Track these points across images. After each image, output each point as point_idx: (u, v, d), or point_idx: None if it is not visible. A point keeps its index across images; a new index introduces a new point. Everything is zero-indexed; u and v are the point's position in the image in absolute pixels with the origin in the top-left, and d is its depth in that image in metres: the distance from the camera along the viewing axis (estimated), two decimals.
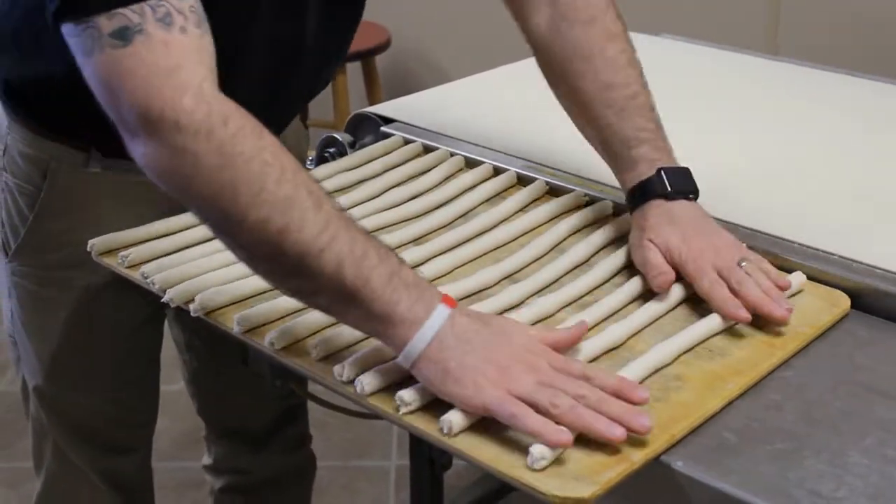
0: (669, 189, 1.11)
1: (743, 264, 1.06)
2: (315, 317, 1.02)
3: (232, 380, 1.49)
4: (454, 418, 0.87)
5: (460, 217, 1.26)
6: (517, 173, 1.35)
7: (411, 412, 0.90)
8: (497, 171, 1.36)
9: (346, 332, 1.00)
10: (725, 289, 1.04)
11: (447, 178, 1.35)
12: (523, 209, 1.27)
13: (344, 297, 0.90)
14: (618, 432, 0.85)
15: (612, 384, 0.89)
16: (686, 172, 1.13)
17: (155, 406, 1.49)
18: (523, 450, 0.85)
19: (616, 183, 1.19)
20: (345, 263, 0.89)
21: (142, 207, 1.21)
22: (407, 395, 0.90)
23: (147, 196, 1.14)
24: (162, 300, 1.08)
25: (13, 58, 1.19)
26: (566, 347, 0.96)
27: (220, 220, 0.91)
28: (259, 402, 1.56)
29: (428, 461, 1.70)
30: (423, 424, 0.90)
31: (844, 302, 1.08)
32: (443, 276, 1.12)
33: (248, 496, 1.67)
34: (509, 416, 0.86)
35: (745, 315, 1.01)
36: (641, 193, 1.12)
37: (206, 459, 1.71)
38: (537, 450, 0.83)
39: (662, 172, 1.11)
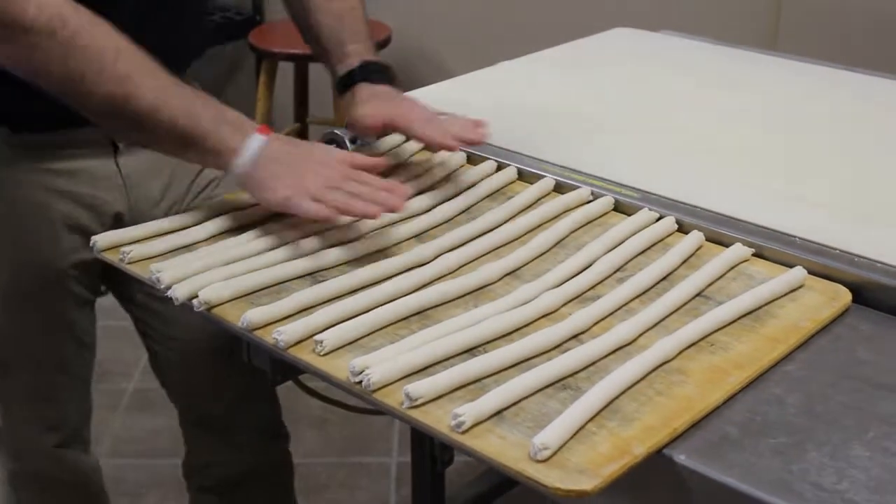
0: (372, 76, 1.36)
1: (442, 117, 1.32)
2: (318, 318, 1.02)
3: (189, 359, 1.53)
4: (467, 416, 0.87)
5: (462, 213, 1.26)
6: (518, 169, 1.35)
7: (416, 407, 0.91)
8: (498, 167, 1.36)
9: (352, 330, 1.00)
10: (437, 127, 1.29)
11: (449, 175, 1.35)
12: (531, 206, 1.27)
13: (181, 142, 1.17)
14: (372, 209, 1.13)
15: (382, 184, 1.18)
16: (388, 67, 1.40)
17: (86, 393, 1.53)
18: (526, 445, 0.85)
19: (619, 179, 1.23)
20: (178, 116, 1.15)
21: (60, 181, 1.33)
22: (413, 390, 0.90)
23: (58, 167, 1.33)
24: (166, 295, 1.08)
25: None
26: (368, 167, 1.21)
27: (74, 98, 1.15)
28: (219, 380, 1.57)
29: (429, 457, 1.71)
30: (428, 420, 0.90)
31: (845, 296, 1.09)
32: (448, 273, 1.13)
33: (222, 496, 1.66)
34: (294, 206, 1.14)
35: (455, 143, 1.29)
36: (350, 79, 1.37)
37: (183, 458, 1.71)
38: (539, 440, 0.84)
39: (368, 63, 1.37)
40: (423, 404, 0.91)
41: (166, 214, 1.35)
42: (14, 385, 1.46)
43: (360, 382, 0.93)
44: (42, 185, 1.33)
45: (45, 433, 1.50)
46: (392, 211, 1.15)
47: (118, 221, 1.36)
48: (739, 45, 1.88)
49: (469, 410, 0.88)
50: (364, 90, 1.35)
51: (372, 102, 1.33)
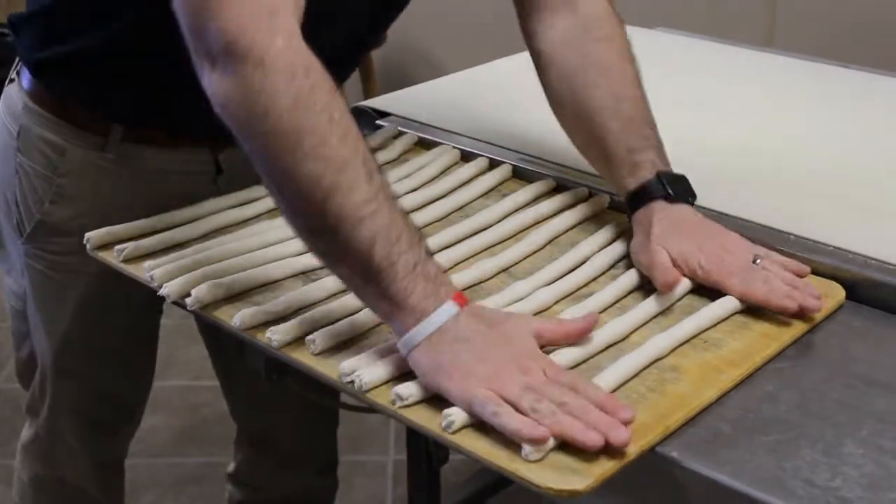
0: (671, 192, 1.11)
1: (758, 262, 1.07)
2: (313, 315, 1.02)
3: (261, 387, 1.49)
4: (456, 417, 0.87)
5: (457, 211, 1.26)
6: (513, 167, 1.35)
7: (408, 406, 0.90)
8: (493, 165, 1.36)
9: (345, 329, 1.00)
10: (760, 283, 1.04)
11: (443, 172, 1.35)
12: (526, 205, 1.27)
13: (367, 272, 0.91)
14: (593, 437, 0.83)
15: (599, 398, 0.88)
16: (684, 179, 1.14)
17: (145, 394, 1.51)
18: (519, 444, 0.85)
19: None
20: (378, 240, 0.90)
21: (153, 199, 1.23)
22: (403, 390, 0.90)
23: (159, 189, 1.24)
24: (158, 294, 1.08)
25: (41, 36, 1.22)
26: (575, 340, 0.97)
27: (274, 165, 0.91)
28: (288, 414, 1.56)
29: (425, 456, 1.71)
30: (420, 419, 0.90)
31: (839, 293, 1.09)
32: (443, 271, 1.12)
33: None
34: (491, 415, 0.86)
35: (793, 305, 1.02)
36: (644, 195, 1.12)
37: (230, 467, 1.71)
38: (527, 450, 0.84)
39: (662, 176, 1.12)
40: (413, 404, 0.91)
41: None
42: (72, 392, 1.43)
43: (353, 383, 0.93)
44: (137, 199, 1.25)
45: (89, 444, 1.48)
46: (616, 446, 0.84)
47: None
48: (736, 42, 1.89)
49: (459, 411, 0.88)
50: (659, 216, 1.10)
51: (671, 241, 1.08)
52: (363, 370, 0.93)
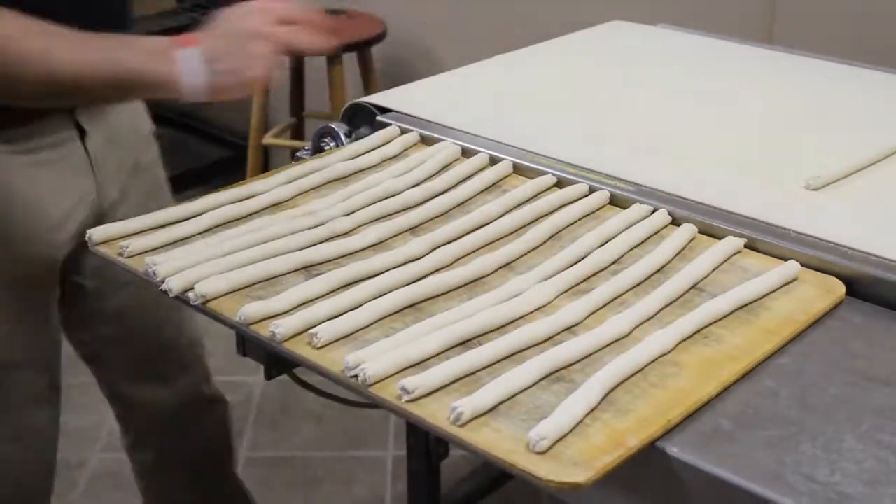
0: None
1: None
2: (314, 311, 1.02)
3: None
4: (465, 409, 0.87)
5: (457, 206, 1.27)
6: (513, 163, 1.35)
7: (415, 399, 0.90)
8: (493, 161, 1.36)
9: (346, 324, 1.00)
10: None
11: (443, 168, 1.35)
12: (528, 201, 1.27)
13: (123, 92, 1.24)
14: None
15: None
16: None
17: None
18: (520, 437, 0.86)
19: (613, 172, 1.24)
20: (102, 70, 1.18)
21: (45, 178, 1.34)
22: (409, 383, 0.90)
23: (40, 165, 1.33)
24: (160, 289, 1.08)
25: None
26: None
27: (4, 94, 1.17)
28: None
29: (424, 451, 1.71)
30: (422, 413, 0.90)
31: (839, 289, 1.09)
32: (443, 267, 1.13)
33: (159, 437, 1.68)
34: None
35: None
36: None
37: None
38: (535, 432, 0.84)
39: None
40: (418, 398, 0.91)
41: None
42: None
43: (357, 377, 0.93)
44: (27, 179, 1.32)
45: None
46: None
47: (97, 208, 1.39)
48: (735, 38, 1.89)
49: (467, 403, 0.88)
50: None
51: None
52: (367, 364, 0.93)
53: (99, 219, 1.40)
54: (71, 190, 1.38)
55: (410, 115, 1.47)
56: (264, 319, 1.02)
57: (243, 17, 1.23)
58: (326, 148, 1.45)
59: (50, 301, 1.44)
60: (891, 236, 1.15)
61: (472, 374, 0.94)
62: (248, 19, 1.23)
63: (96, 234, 1.17)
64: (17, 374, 1.42)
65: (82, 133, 1.37)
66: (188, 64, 1.18)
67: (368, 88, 3.05)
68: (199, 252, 1.12)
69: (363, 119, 1.50)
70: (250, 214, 1.23)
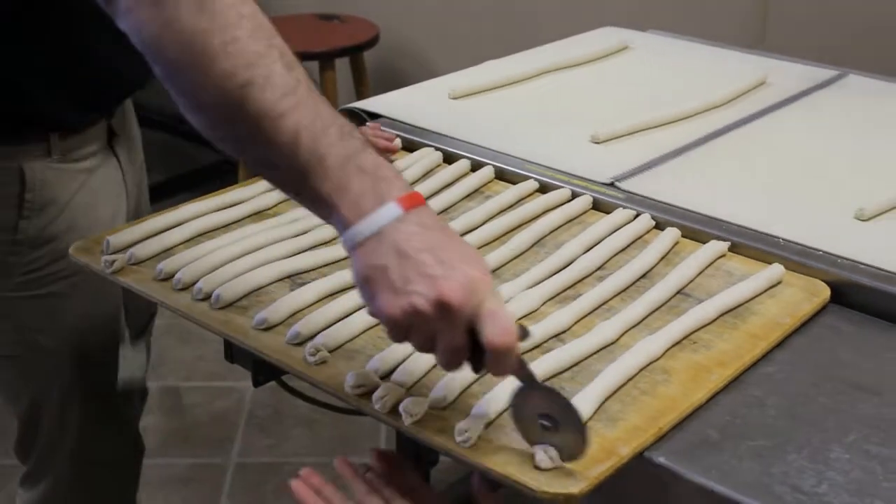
0: None
1: None
2: (309, 323, 1.01)
3: None
4: (472, 433, 0.86)
5: (441, 213, 1.26)
6: (496, 168, 1.35)
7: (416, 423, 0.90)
8: (475, 167, 1.36)
9: (338, 335, 1.00)
10: None
11: (426, 174, 1.35)
12: (511, 207, 1.27)
13: (295, 171, 0.84)
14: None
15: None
16: None
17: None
18: (512, 448, 0.86)
19: (595, 177, 1.26)
20: (302, 134, 0.83)
21: (111, 199, 1.37)
22: (412, 407, 0.89)
23: (114, 188, 1.37)
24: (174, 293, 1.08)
25: None
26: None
27: (186, 72, 0.86)
28: None
29: (415, 458, 1.70)
30: (425, 434, 0.89)
31: (824, 291, 1.09)
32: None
33: None
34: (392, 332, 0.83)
35: None
36: None
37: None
38: (541, 456, 0.84)
39: None
40: (420, 420, 0.90)
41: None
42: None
43: (375, 403, 0.91)
44: (81, 185, 1.33)
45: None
46: None
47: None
48: (727, 44, 1.88)
49: (473, 425, 0.87)
50: None
51: None
52: (387, 397, 0.91)
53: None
54: (113, 194, 1.39)
55: (399, 121, 1.47)
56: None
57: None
58: None
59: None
60: (879, 245, 1.14)
61: (467, 388, 0.93)
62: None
63: (75, 248, 1.18)
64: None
65: (111, 139, 1.38)
66: (378, 221, 0.82)
67: (360, 94, 3.05)
68: (184, 268, 1.11)
69: (354, 124, 1.49)
70: (234, 222, 1.23)
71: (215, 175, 3.59)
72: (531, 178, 1.32)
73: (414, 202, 0.83)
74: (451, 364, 0.83)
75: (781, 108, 1.57)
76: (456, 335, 0.81)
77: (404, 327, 0.82)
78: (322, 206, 0.85)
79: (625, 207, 1.24)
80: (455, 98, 1.54)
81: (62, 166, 1.30)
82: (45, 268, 1.32)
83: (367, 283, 0.82)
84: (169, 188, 3.15)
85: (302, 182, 0.84)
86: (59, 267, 1.32)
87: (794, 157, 1.40)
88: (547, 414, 0.84)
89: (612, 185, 1.30)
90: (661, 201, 1.25)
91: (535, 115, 1.53)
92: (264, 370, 1.12)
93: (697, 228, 1.20)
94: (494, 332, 0.80)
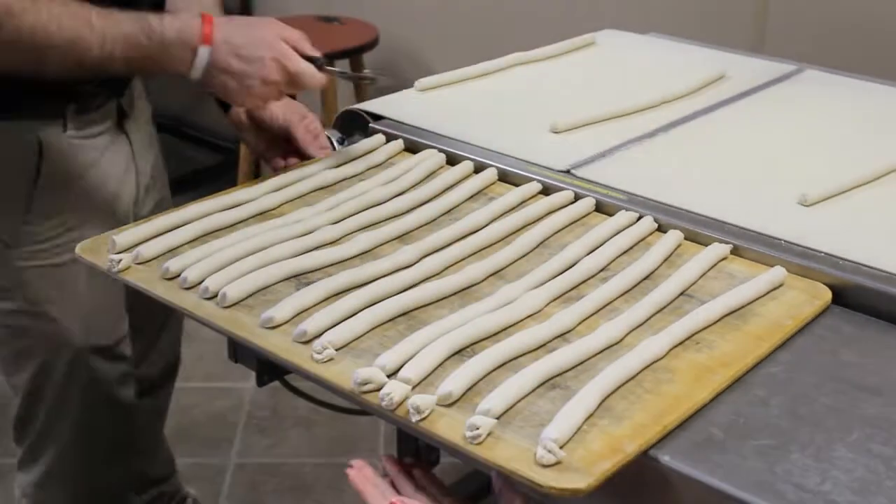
0: None
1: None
2: (316, 321, 1.02)
3: None
4: (483, 429, 0.87)
5: (444, 214, 1.27)
6: (499, 170, 1.36)
7: (424, 419, 0.90)
8: (481, 168, 1.37)
9: (343, 335, 1.00)
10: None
11: (429, 176, 1.35)
12: (514, 208, 1.27)
13: (142, 71, 1.35)
14: None
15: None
16: None
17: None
18: (518, 444, 0.86)
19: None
20: (128, 56, 1.23)
21: (121, 176, 1.46)
22: (422, 403, 0.90)
23: (124, 166, 1.47)
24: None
25: None
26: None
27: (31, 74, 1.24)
28: None
29: (415, 458, 1.70)
30: (433, 429, 0.90)
31: (826, 294, 1.10)
32: (434, 275, 1.13)
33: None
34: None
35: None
36: None
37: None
38: (549, 444, 0.85)
39: None
40: (428, 416, 0.90)
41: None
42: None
43: (382, 400, 0.92)
44: (94, 160, 1.43)
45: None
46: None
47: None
48: (727, 47, 1.89)
49: (483, 421, 0.88)
50: None
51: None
52: (393, 392, 0.91)
53: (137, 208, 1.52)
54: (123, 172, 1.48)
55: (402, 123, 1.47)
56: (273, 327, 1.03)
57: (272, 30, 1.30)
58: None
59: None
60: (881, 247, 1.15)
61: (473, 385, 0.94)
62: (274, 36, 1.29)
63: (81, 248, 1.18)
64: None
65: (122, 119, 1.48)
66: (202, 61, 1.25)
67: (360, 96, 3.05)
68: (189, 268, 1.12)
69: (356, 126, 1.50)
70: (239, 223, 1.23)
71: (214, 176, 3.59)
72: (531, 178, 1.33)
73: (208, 29, 1.25)
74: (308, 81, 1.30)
75: (738, 101, 1.62)
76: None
77: (261, 104, 1.34)
78: (169, 73, 1.27)
79: (627, 210, 1.24)
80: (423, 90, 1.61)
81: (77, 142, 1.39)
82: (55, 238, 1.39)
83: (226, 97, 1.30)
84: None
85: (147, 72, 1.38)
86: (69, 238, 1.38)
87: (745, 146, 1.44)
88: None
89: (567, 172, 1.34)
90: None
91: (499, 107, 1.57)
92: (268, 370, 1.13)
93: (700, 231, 1.20)
94: (293, 64, 1.29)
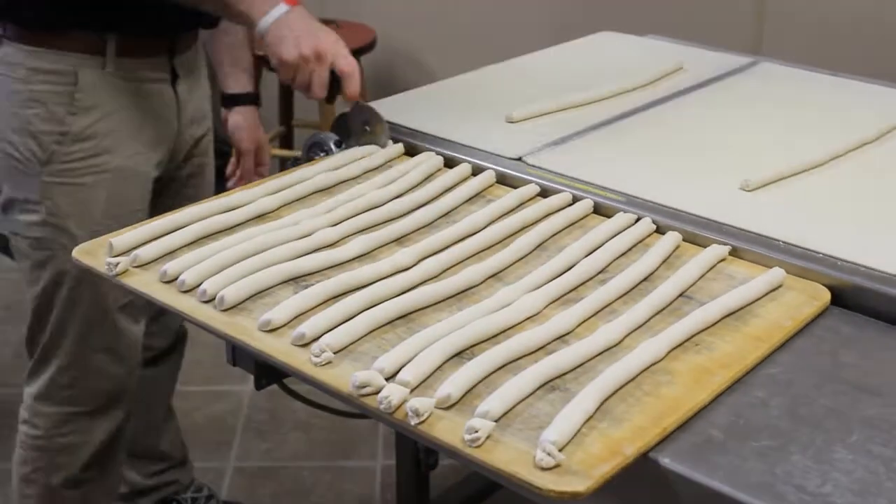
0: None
1: None
2: (316, 323, 1.02)
3: None
4: (482, 432, 0.87)
5: (443, 217, 1.27)
6: (497, 172, 1.36)
7: (423, 422, 0.90)
8: (476, 171, 1.37)
9: (342, 337, 1.00)
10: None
11: (427, 178, 1.35)
12: (513, 210, 1.27)
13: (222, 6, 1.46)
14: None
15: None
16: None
17: None
18: (517, 447, 0.86)
19: (599, 182, 1.28)
20: None
21: (139, 101, 1.60)
22: (421, 406, 0.90)
23: (140, 94, 1.60)
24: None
25: None
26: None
27: None
28: None
29: (414, 461, 1.71)
30: (432, 433, 0.89)
31: (824, 295, 1.09)
32: (432, 278, 1.13)
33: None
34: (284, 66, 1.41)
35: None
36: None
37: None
38: (547, 447, 0.84)
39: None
40: (427, 419, 0.90)
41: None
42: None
43: (380, 403, 0.91)
44: (136, 103, 1.59)
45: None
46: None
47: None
48: (724, 49, 1.89)
49: (482, 424, 0.87)
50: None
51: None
52: (392, 395, 0.91)
53: (168, 172, 1.70)
54: (159, 124, 1.63)
55: (398, 125, 1.47)
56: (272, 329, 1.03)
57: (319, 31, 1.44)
58: (316, 158, 1.44)
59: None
60: (879, 248, 1.15)
61: (473, 388, 0.94)
62: (338, 38, 1.43)
63: (78, 250, 1.18)
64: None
65: (174, 79, 1.63)
66: (278, 13, 1.40)
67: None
68: (188, 269, 1.11)
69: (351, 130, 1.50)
70: (237, 225, 1.23)
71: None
72: (529, 180, 1.33)
73: (295, 2, 1.42)
74: (320, 90, 1.41)
75: (693, 92, 1.65)
76: (324, 72, 1.40)
77: (293, 67, 1.40)
78: (239, 17, 1.44)
79: (626, 211, 1.24)
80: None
81: (114, 80, 1.56)
82: (83, 160, 1.55)
83: (274, 45, 1.40)
84: None
85: (224, 5, 1.44)
86: (95, 162, 1.56)
87: (696, 135, 1.48)
88: (367, 120, 1.43)
89: (519, 160, 1.37)
90: (663, 205, 1.26)
91: (457, 99, 1.62)
92: (267, 373, 1.13)
93: (698, 233, 1.20)
94: (346, 62, 1.40)
